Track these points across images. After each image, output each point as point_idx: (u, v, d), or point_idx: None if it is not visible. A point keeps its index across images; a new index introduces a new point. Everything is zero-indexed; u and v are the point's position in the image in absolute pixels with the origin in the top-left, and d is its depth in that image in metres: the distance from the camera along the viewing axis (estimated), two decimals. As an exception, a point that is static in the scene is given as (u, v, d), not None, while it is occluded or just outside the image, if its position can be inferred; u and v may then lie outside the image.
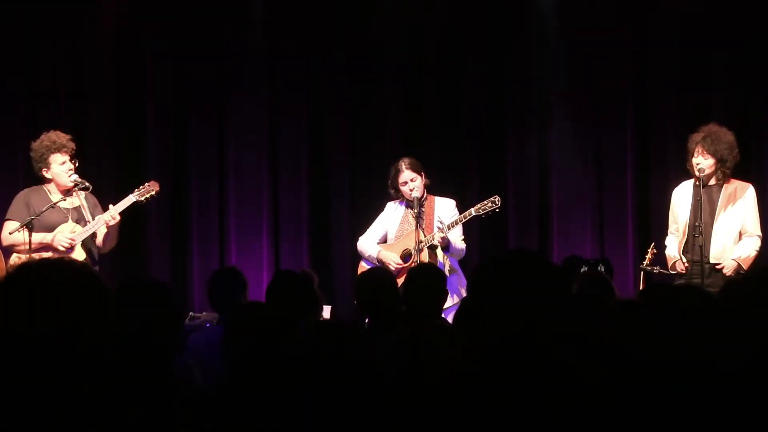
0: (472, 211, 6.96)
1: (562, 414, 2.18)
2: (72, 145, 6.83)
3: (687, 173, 7.01)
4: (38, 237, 6.58)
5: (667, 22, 8.44)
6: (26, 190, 6.87)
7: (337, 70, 8.74)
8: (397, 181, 7.10)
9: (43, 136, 6.84)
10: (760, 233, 6.83)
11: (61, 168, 6.75)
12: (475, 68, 8.68)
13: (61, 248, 6.62)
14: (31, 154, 6.83)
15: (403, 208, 7.20)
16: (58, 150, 6.76)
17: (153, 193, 6.93)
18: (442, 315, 5.28)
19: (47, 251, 6.61)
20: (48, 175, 6.77)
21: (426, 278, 4.99)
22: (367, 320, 5.38)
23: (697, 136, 6.83)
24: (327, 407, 1.99)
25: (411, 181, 7.05)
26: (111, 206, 6.76)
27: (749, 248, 6.75)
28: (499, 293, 2.44)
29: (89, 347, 2.18)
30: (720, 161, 6.77)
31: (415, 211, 6.99)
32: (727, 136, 6.80)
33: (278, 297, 4.80)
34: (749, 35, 8.27)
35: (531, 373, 2.22)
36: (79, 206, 6.80)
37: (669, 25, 8.45)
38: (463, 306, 4.15)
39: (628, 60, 8.55)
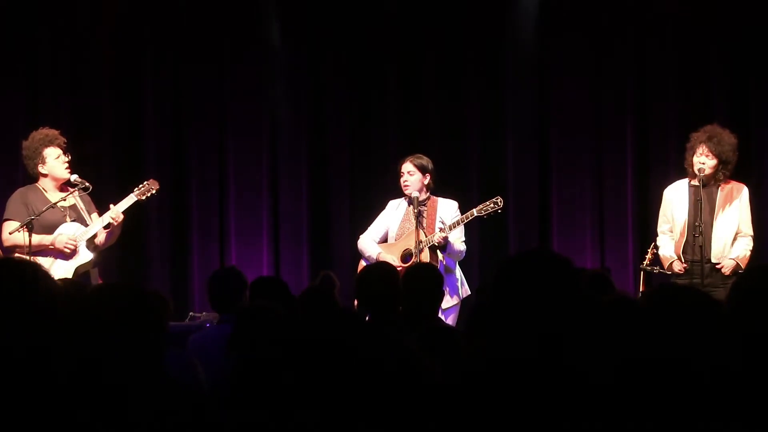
0: (474, 211, 6.93)
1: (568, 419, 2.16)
2: (63, 139, 6.82)
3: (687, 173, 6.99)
4: (37, 239, 6.50)
5: (667, 22, 8.45)
6: (21, 189, 6.82)
7: (338, 69, 8.75)
8: (399, 170, 7.13)
9: (33, 133, 6.83)
10: (752, 233, 6.87)
11: (56, 161, 6.72)
12: (475, 70, 8.68)
13: (67, 251, 6.60)
14: (24, 152, 6.78)
15: (404, 206, 7.17)
16: (51, 143, 6.74)
17: (153, 191, 6.91)
18: (441, 316, 5.27)
19: (46, 254, 6.59)
20: (44, 170, 6.72)
21: (422, 279, 4.93)
22: (367, 317, 5.37)
23: (701, 136, 6.80)
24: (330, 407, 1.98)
25: (408, 174, 7.03)
26: (112, 206, 6.74)
27: (745, 248, 6.80)
28: (520, 298, 2.35)
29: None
30: (722, 163, 6.76)
31: (415, 210, 6.96)
32: (731, 138, 6.79)
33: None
34: (749, 35, 8.28)
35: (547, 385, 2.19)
36: (75, 205, 6.76)
37: (669, 25, 8.45)
38: (479, 310, 4.02)
39: (628, 59, 8.55)
